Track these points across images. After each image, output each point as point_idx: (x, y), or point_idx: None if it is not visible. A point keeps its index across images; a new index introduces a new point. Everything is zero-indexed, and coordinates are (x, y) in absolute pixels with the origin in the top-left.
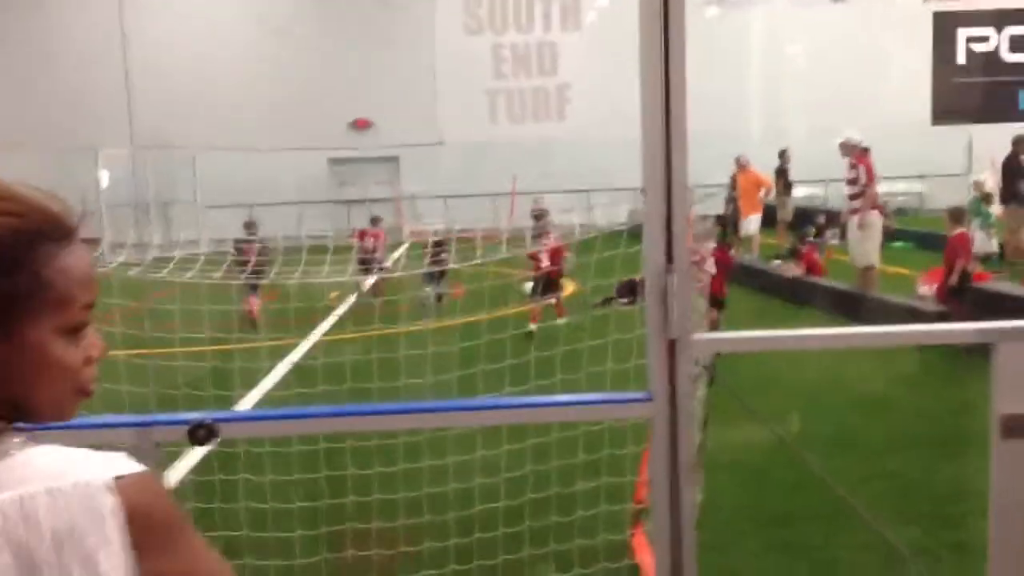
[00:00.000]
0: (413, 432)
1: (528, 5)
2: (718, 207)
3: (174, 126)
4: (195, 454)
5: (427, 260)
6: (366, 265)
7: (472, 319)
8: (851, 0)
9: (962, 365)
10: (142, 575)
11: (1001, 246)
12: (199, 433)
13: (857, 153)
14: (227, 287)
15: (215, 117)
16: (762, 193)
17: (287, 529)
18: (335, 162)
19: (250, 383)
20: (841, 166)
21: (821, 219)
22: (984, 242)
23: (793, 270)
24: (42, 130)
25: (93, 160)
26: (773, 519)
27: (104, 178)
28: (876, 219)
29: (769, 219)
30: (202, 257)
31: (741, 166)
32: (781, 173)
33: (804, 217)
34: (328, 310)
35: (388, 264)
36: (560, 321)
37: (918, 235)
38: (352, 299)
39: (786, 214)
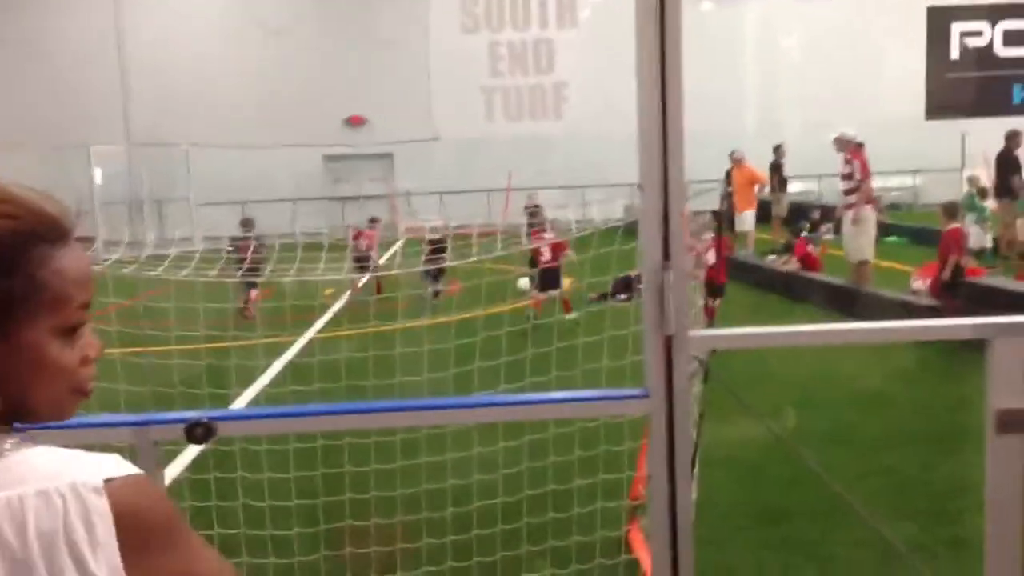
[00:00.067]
0: (410, 429)
1: (524, 3)
2: (714, 203)
3: (168, 123)
4: (191, 452)
5: (424, 257)
6: (361, 263)
7: (469, 316)
8: None
9: (958, 360)
10: None
11: (995, 240)
12: (197, 432)
13: (852, 148)
14: (222, 284)
15: (209, 114)
16: (756, 188)
17: (285, 527)
18: (329, 159)
19: (246, 381)
20: (835, 161)
21: (816, 214)
22: (979, 237)
23: (789, 264)
24: (36, 129)
25: (86, 158)
26: (769, 515)
27: (97, 176)
28: (870, 214)
29: (764, 215)
30: (197, 255)
31: (736, 161)
32: (776, 168)
33: (799, 212)
34: (323, 308)
35: (382, 261)
36: (569, 317)
37: (912, 230)
38: (346, 296)
39: (781, 209)
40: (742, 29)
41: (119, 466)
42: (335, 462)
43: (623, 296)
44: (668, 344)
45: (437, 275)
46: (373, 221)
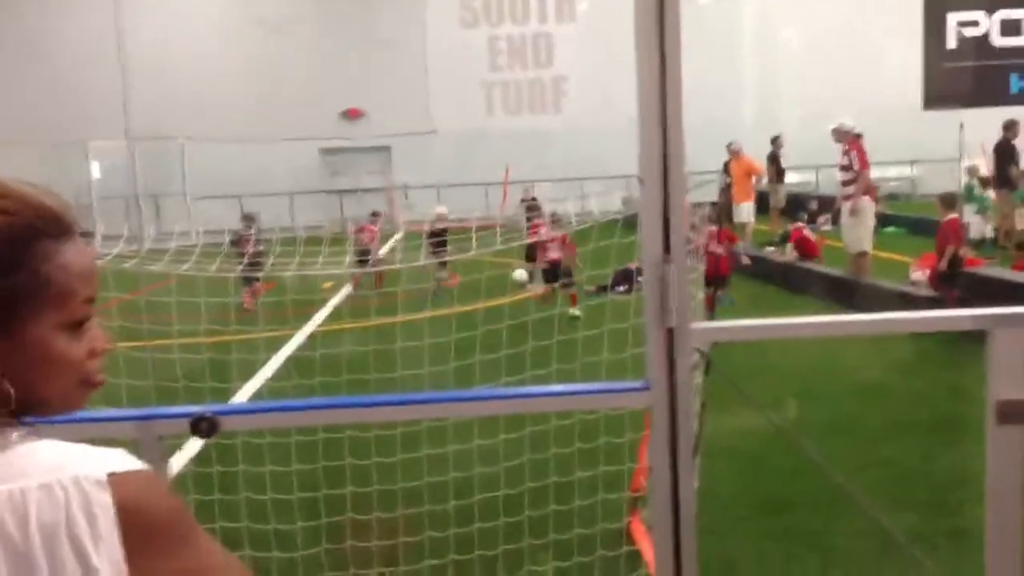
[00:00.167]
0: (411, 422)
1: None
2: (713, 195)
3: (167, 120)
4: (193, 445)
5: (427, 243)
6: (362, 258)
7: (469, 309)
8: None
9: (957, 350)
10: (140, 573)
11: (995, 231)
12: (201, 426)
13: (850, 139)
14: (223, 278)
15: (207, 110)
16: (754, 180)
17: (287, 520)
18: (327, 152)
19: (247, 375)
20: (834, 152)
21: (813, 205)
22: (980, 227)
23: (787, 255)
24: (35, 127)
25: (83, 155)
26: (770, 505)
27: (95, 170)
28: (868, 205)
29: (762, 206)
30: (197, 249)
31: (734, 153)
32: (774, 159)
33: (797, 203)
34: (324, 302)
35: (381, 254)
36: (572, 312)
37: (910, 220)
38: (347, 288)
39: (779, 201)
40: (740, 21)
41: (123, 460)
42: (336, 455)
43: (622, 288)
44: (669, 336)
45: (443, 262)
46: (374, 215)
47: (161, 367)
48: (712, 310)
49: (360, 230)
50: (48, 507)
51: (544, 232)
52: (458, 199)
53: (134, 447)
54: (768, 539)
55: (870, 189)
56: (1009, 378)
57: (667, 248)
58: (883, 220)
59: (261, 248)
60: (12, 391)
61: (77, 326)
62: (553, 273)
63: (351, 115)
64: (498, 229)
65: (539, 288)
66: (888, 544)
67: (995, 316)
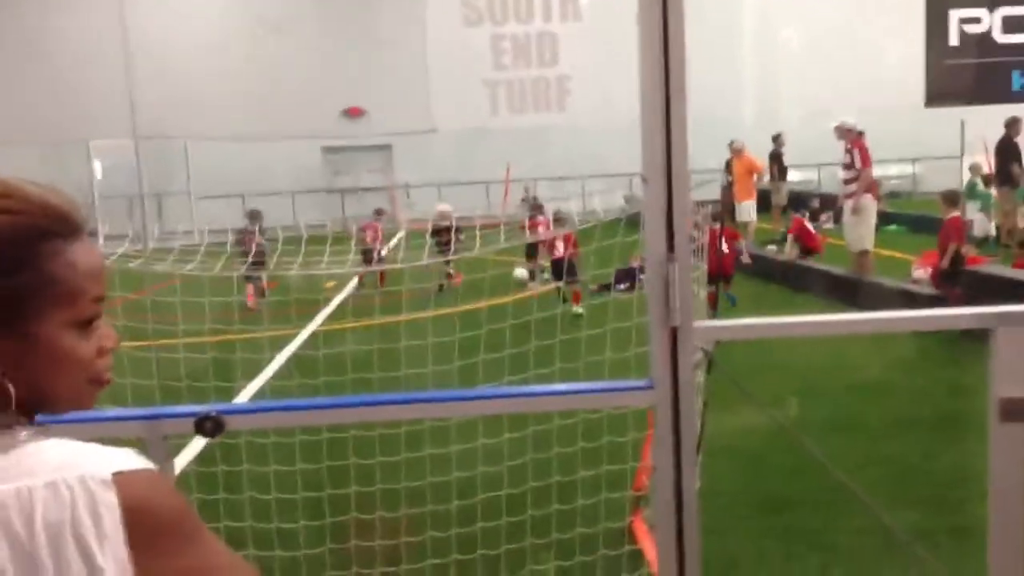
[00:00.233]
0: (414, 421)
1: None
2: (714, 193)
3: (168, 119)
4: (197, 444)
5: (431, 247)
6: (367, 256)
7: (472, 307)
8: None
9: (958, 348)
10: (145, 572)
11: (997, 228)
12: (206, 426)
13: (852, 137)
14: (227, 277)
15: (207, 107)
16: (755, 178)
17: (291, 520)
18: (328, 151)
19: (251, 374)
20: (835, 149)
21: (815, 203)
22: (983, 224)
23: (788, 249)
24: (37, 126)
25: (85, 153)
26: (771, 504)
27: (97, 170)
28: (870, 203)
29: (764, 204)
30: (202, 248)
31: (736, 151)
32: (775, 157)
33: (799, 201)
34: (327, 301)
35: (384, 252)
36: (576, 310)
37: (912, 218)
38: (352, 284)
39: (781, 199)
40: (741, 19)
41: (130, 460)
42: (340, 455)
43: (623, 286)
44: (673, 335)
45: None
46: (378, 213)
47: (166, 366)
48: (715, 308)
49: (364, 228)
50: (54, 506)
51: (542, 231)
52: (459, 197)
53: (140, 447)
54: (769, 538)
55: (872, 187)
56: (1012, 376)
57: (671, 247)
58: (885, 218)
59: (265, 246)
60: (12, 389)
61: (86, 325)
62: (559, 270)
63: (352, 114)
64: (501, 227)
65: (539, 286)
66: (889, 542)
67: (998, 314)
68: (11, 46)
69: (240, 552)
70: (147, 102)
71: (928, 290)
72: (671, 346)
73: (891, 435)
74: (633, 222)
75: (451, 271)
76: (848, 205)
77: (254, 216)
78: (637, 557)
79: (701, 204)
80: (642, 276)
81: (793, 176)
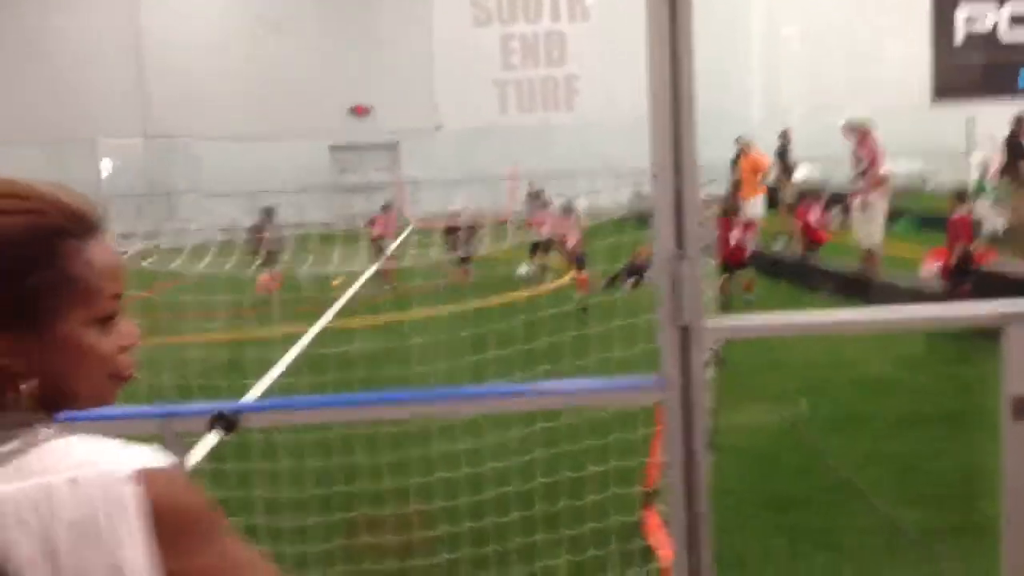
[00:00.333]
0: (424, 418)
1: None
2: (721, 190)
3: (173, 116)
4: (208, 441)
5: (445, 245)
6: (378, 248)
7: (483, 304)
8: None
9: (968, 345)
10: (166, 571)
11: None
12: (220, 423)
13: (861, 134)
14: (238, 275)
15: (214, 106)
16: (760, 175)
17: (301, 516)
18: (335, 149)
19: (262, 372)
20: (843, 146)
21: (824, 199)
22: (995, 220)
23: (792, 241)
24: (41, 124)
25: (91, 152)
26: (778, 502)
27: (105, 167)
28: (879, 200)
29: (772, 201)
30: (213, 249)
31: (743, 147)
32: (782, 154)
33: (807, 196)
34: (336, 298)
35: (393, 247)
36: (583, 298)
37: (920, 215)
38: (364, 276)
39: (788, 196)
40: (747, 14)
41: (153, 457)
42: (350, 451)
43: (630, 281)
44: (683, 333)
45: (466, 257)
46: (386, 208)
47: (178, 364)
48: (726, 294)
49: (372, 223)
50: (77, 502)
51: (546, 230)
52: (467, 195)
53: (154, 444)
54: (776, 536)
55: (881, 183)
56: None
57: (680, 244)
58: (893, 215)
59: (285, 239)
60: (35, 387)
61: (105, 322)
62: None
63: (358, 112)
64: (508, 224)
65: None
66: (896, 540)
67: (1010, 313)
68: (11, 46)
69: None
70: (153, 101)
71: (938, 287)
72: (681, 343)
73: (899, 433)
74: (642, 219)
75: (466, 268)
76: (857, 202)
77: (268, 213)
78: (648, 552)
79: (710, 200)
80: (648, 275)
81: (800, 173)
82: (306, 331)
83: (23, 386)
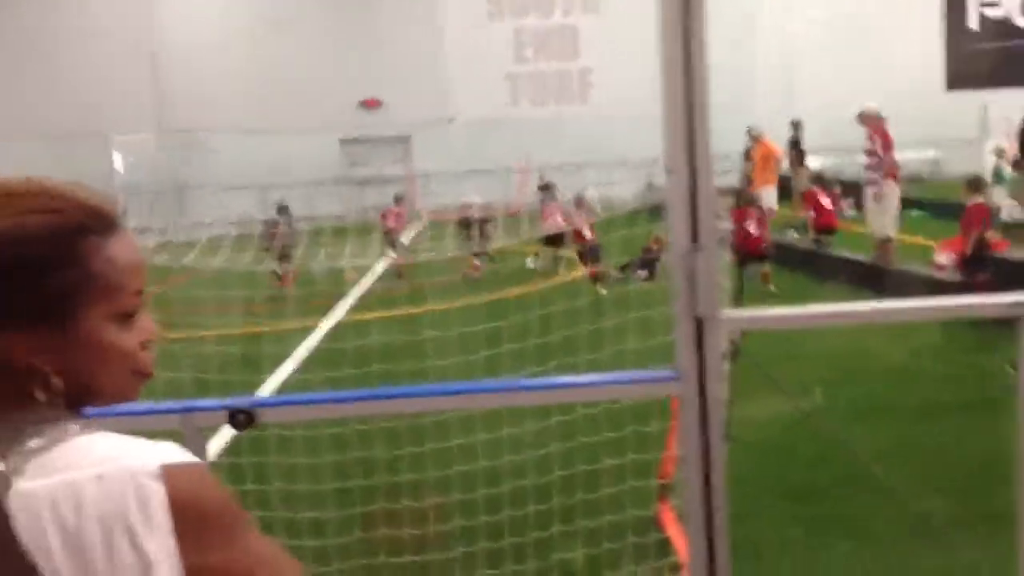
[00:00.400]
0: (440, 412)
1: None
2: (734, 180)
3: (185, 111)
4: (224, 435)
5: (460, 237)
6: (391, 241)
7: (497, 297)
8: None
9: (985, 333)
10: (191, 567)
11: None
12: (239, 418)
13: (874, 123)
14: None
15: (225, 100)
16: (772, 163)
17: (319, 510)
18: (346, 142)
19: (277, 365)
20: (856, 135)
21: (836, 189)
22: (1011, 209)
23: (805, 228)
24: (55, 119)
25: (103, 148)
26: (795, 492)
27: (118, 162)
28: (892, 190)
29: (785, 192)
30: (226, 244)
31: (755, 138)
32: (794, 144)
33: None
34: (349, 292)
35: (406, 241)
36: (600, 288)
37: (934, 203)
38: (379, 267)
39: (801, 185)
40: (760, 5)
41: (178, 454)
42: (367, 445)
43: (643, 273)
44: (699, 325)
45: (480, 252)
46: (398, 200)
47: (194, 358)
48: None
49: (384, 215)
50: (104, 498)
51: (555, 221)
52: (479, 187)
53: (175, 439)
54: (794, 525)
55: (894, 172)
56: None
57: (695, 237)
58: (907, 204)
59: (300, 234)
60: (60, 384)
61: (127, 318)
62: (585, 254)
63: (369, 105)
64: (520, 216)
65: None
66: (915, 529)
67: None
68: (12, 45)
69: None
70: (166, 96)
71: (954, 277)
72: (697, 336)
73: (919, 422)
74: (655, 210)
75: (478, 262)
76: (870, 192)
77: (282, 210)
78: (664, 545)
79: (724, 192)
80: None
81: (813, 162)
82: (318, 325)
83: (49, 383)
